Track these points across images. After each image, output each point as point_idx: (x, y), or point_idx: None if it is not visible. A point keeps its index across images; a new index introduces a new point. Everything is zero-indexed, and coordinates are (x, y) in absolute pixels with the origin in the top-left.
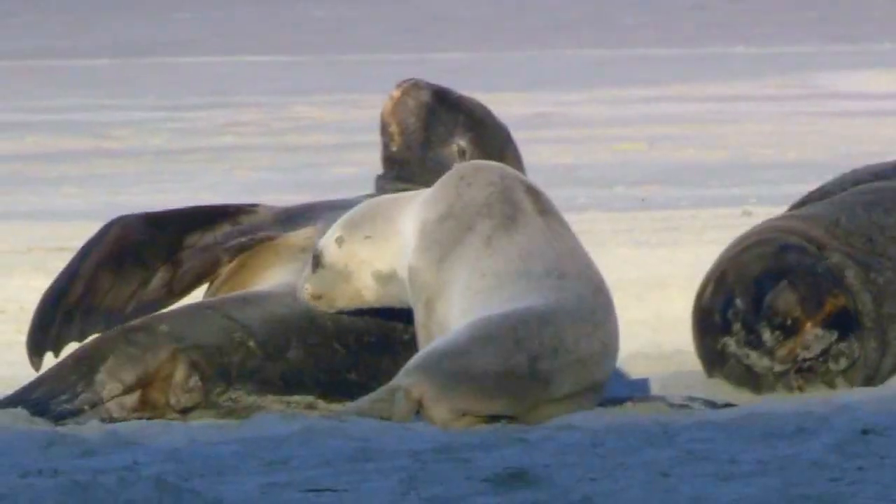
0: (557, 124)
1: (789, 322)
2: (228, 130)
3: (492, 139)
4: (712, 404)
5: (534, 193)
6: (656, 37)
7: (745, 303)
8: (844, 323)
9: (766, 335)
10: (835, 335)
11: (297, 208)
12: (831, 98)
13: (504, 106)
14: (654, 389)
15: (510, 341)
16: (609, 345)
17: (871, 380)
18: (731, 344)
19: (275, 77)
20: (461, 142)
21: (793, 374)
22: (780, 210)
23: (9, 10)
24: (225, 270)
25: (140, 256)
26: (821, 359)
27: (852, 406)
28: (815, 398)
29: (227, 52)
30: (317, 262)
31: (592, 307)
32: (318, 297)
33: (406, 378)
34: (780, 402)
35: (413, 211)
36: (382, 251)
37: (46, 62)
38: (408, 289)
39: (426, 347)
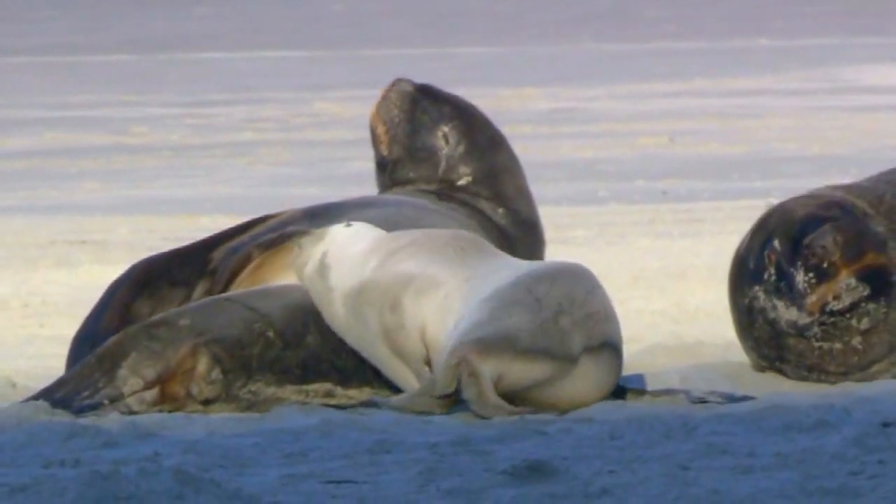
0: (578, 119)
1: (826, 265)
2: (248, 126)
3: (480, 130)
4: (731, 398)
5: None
6: (677, 30)
7: (784, 243)
8: (878, 283)
9: (800, 277)
10: (867, 291)
11: (326, 205)
12: (855, 92)
13: (525, 101)
14: (674, 381)
15: (532, 300)
16: (607, 307)
17: (893, 349)
18: (759, 296)
19: (294, 72)
20: (445, 128)
21: (816, 326)
22: None
23: (28, 7)
24: (247, 269)
25: (174, 279)
26: (847, 313)
27: (873, 399)
28: (836, 390)
29: (246, 47)
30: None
31: (581, 274)
32: (300, 247)
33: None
34: (800, 395)
35: (373, 237)
36: (341, 247)
37: (65, 58)
38: (353, 307)
39: (455, 331)
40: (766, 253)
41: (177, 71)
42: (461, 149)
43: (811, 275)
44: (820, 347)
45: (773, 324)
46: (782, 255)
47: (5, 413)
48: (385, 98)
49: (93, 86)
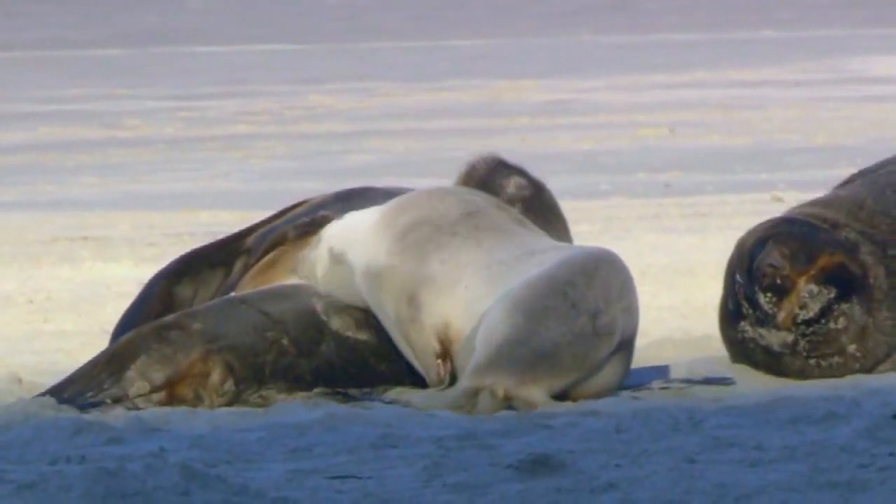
0: (576, 111)
1: (780, 281)
2: (241, 119)
3: (549, 200)
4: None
5: (505, 209)
6: (679, 21)
7: (743, 275)
8: (844, 282)
9: (764, 301)
10: (833, 292)
11: (356, 190)
12: (861, 82)
13: (521, 93)
14: (682, 374)
15: (566, 306)
16: (636, 296)
17: (893, 349)
18: (747, 329)
19: (287, 65)
20: (519, 178)
21: (801, 340)
22: (811, 196)
23: (20, 1)
24: (256, 267)
25: (212, 262)
26: (822, 319)
27: (883, 390)
28: (846, 382)
29: (240, 40)
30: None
31: (616, 263)
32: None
33: (483, 378)
34: (808, 386)
35: (381, 211)
36: (344, 232)
37: (58, 52)
38: (371, 289)
39: (488, 342)
40: (735, 289)
41: (170, 64)
42: (526, 193)
43: (770, 294)
44: (818, 364)
45: (767, 349)
46: (745, 287)
47: (11, 409)
48: (470, 159)
49: (85, 80)
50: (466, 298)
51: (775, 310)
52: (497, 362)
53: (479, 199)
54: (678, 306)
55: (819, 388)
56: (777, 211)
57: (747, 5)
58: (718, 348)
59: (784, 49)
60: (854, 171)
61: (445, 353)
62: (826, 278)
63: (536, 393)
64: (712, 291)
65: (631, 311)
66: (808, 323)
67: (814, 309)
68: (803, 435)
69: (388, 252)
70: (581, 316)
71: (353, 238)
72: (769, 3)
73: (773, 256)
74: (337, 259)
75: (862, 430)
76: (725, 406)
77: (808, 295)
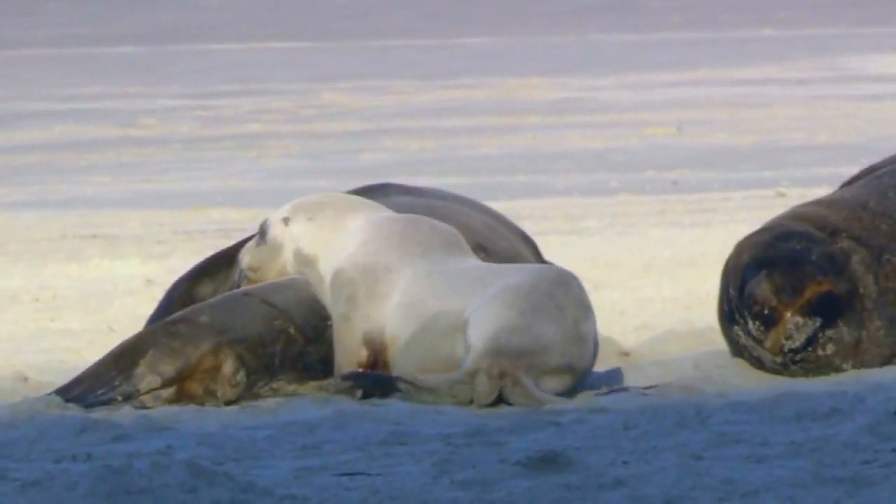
0: (585, 110)
1: (768, 312)
2: (255, 118)
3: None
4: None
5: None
6: (683, 20)
7: (735, 292)
8: (830, 309)
9: (752, 326)
10: (818, 322)
11: (375, 186)
12: (860, 81)
13: (531, 91)
14: (688, 368)
15: (553, 307)
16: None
17: (892, 358)
18: (740, 334)
19: (301, 64)
20: None
21: (791, 364)
22: (813, 192)
23: None
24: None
25: (231, 259)
26: (808, 348)
27: (886, 386)
28: (849, 377)
29: (253, 38)
30: (261, 235)
31: (575, 277)
32: (254, 270)
33: (482, 361)
34: (813, 382)
35: (361, 223)
36: (315, 236)
37: (72, 50)
38: (326, 286)
39: (483, 331)
40: (728, 298)
41: (184, 63)
42: None
43: (758, 322)
44: (813, 378)
45: (759, 361)
46: (735, 304)
47: (18, 407)
48: None
49: (101, 78)
50: (403, 303)
51: (762, 337)
52: (494, 346)
53: (441, 235)
54: (682, 297)
55: (823, 383)
56: (780, 207)
57: (748, 4)
58: (722, 341)
59: (784, 47)
60: (856, 168)
61: (371, 364)
62: (812, 309)
63: (530, 380)
64: (714, 282)
65: (594, 322)
66: (794, 351)
67: (799, 339)
68: (808, 431)
69: (349, 256)
70: (567, 319)
71: (329, 242)
72: (767, 2)
73: (764, 288)
74: (305, 261)
75: (865, 426)
76: (731, 402)
77: (794, 327)
